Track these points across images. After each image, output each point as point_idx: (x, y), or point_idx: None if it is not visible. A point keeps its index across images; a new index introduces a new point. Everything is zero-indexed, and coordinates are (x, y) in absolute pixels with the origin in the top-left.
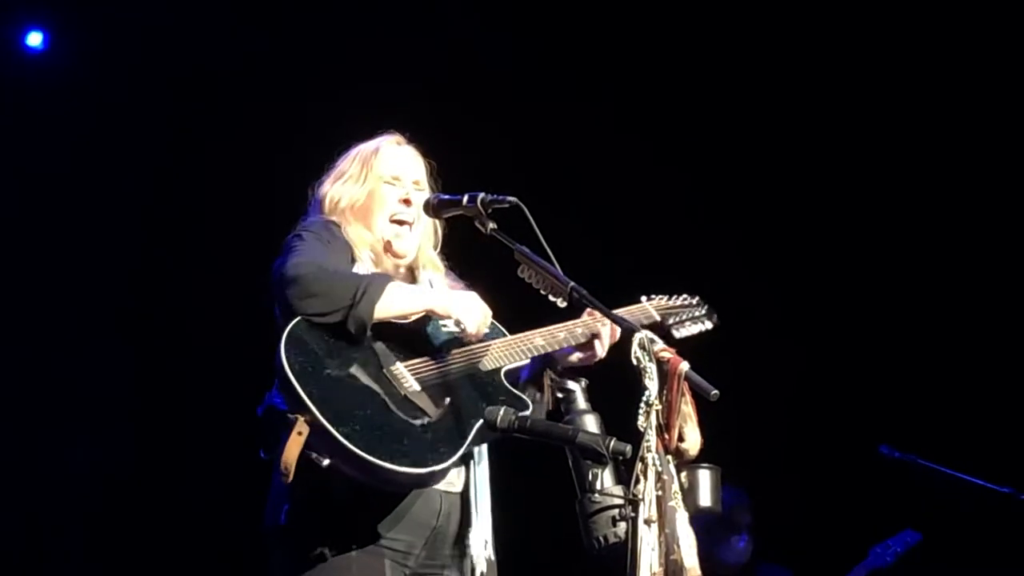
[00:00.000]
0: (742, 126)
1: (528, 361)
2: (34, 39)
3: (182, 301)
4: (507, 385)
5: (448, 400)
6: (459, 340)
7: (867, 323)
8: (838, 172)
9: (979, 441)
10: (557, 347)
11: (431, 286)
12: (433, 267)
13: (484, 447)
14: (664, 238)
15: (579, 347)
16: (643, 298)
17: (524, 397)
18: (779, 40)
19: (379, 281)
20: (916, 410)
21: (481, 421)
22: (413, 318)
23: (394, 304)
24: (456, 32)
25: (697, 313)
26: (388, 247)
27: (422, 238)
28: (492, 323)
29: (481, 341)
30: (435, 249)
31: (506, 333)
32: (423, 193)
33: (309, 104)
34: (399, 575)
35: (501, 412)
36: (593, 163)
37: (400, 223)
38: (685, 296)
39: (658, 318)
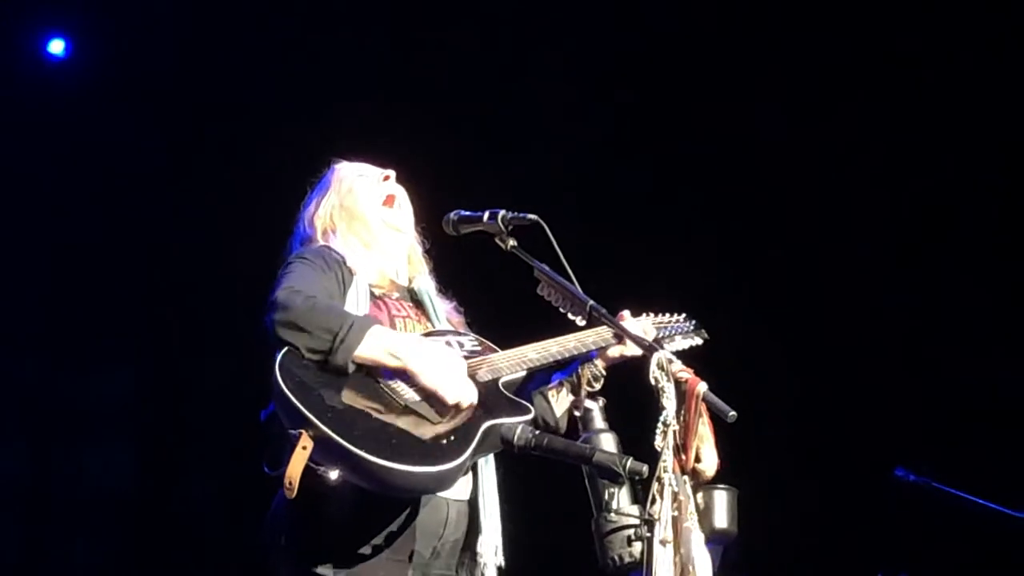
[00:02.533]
0: (745, 143)
1: (524, 373)
2: (56, 47)
3: (192, 314)
4: (506, 393)
5: (449, 408)
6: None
7: (883, 344)
8: (845, 188)
9: (995, 465)
10: (550, 360)
11: (431, 303)
12: (422, 273)
13: (491, 456)
14: (670, 256)
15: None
16: (626, 312)
17: (525, 403)
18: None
19: (360, 326)
20: (932, 433)
21: (486, 425)
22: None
23: (372, 355)
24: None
25: (686, 328)
26: (385, 224)
27: (412, 236)
28: (481, 340)
29: (474, 357)
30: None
31: (497, 349)
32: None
33: (331, 114)
34: None
35: (519, 429)
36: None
37: (389, 204)
38: (671, 314)
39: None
